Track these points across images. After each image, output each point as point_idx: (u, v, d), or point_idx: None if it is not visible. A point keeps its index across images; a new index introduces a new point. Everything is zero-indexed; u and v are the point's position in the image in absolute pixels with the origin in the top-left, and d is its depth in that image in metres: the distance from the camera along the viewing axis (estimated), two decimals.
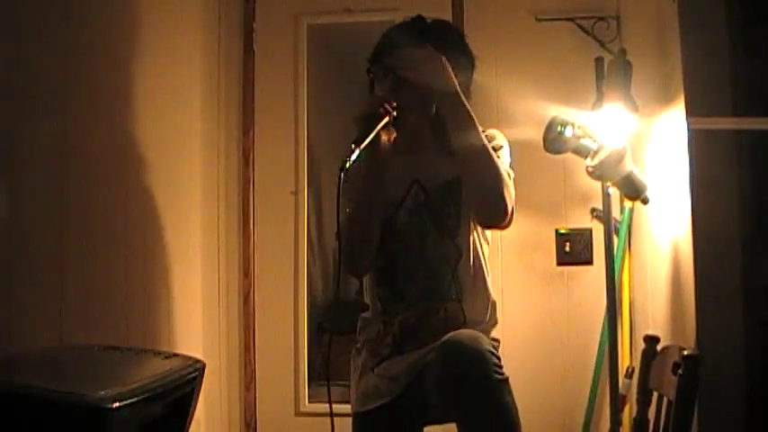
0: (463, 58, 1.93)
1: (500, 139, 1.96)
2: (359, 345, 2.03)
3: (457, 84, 1.80)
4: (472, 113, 1.80)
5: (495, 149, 1.87)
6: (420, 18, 1.96)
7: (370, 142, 1.70)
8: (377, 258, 1.94)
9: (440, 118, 1.88)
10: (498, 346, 1.95)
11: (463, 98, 1.80)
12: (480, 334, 1.76)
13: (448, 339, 1.70)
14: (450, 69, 1.79)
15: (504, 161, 1.91)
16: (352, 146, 1.67)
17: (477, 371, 1.64)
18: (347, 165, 1.65)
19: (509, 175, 1.88)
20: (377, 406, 1.90)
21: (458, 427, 1.70)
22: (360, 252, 1.90)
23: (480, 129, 1.81)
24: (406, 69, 1.81)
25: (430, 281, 1.91)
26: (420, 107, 1.89)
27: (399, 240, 1.92)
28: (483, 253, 1.98)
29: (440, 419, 1.88)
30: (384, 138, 1.80)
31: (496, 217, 1.84)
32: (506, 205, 1.80)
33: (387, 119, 1.75)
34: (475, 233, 1.95)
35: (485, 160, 1.79)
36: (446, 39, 1.92)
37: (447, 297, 1.91)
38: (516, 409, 1.68)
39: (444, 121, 1.85)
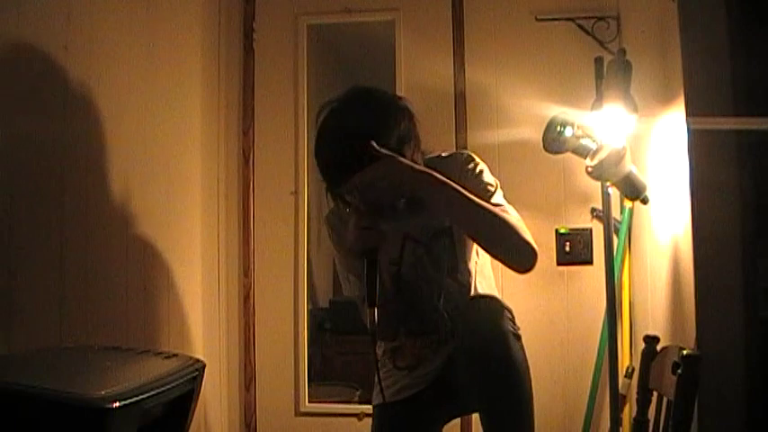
0: (395, 122, 1.75)
1: (480, 166, 1.87)
2: (385, 355, 2.04)
3: (422, 167, 1.70)
4: (454, 186, 1.68)
5: (476, 177, 1.82)
6: (355, 97, 1.83)
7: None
8: (392, 303, 1.89)
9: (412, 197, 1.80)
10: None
11: (438, 177, 1.68)
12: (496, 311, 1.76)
13: (467, 311, 1.75)
14: (405, 163, 1.67)
15: (489, 190, 1.83)
16: (368, 308, 1.67)
17: (496, 339, 1.67)
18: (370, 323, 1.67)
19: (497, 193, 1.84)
20: (404, 397, 1.94)
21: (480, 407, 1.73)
22: None
23: (441, 179, 1.69)
24: (366, 193, 1.69)
25: (440, 319, 1.94)
26: (389, 200, 1.78)
27: (409, 289, 1.95)
28: (483, 271, 1.99)
29: (462, 409, 1.97)
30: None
31: (525, 263, 1.74)
32: (530, 250, 1.72)
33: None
34: (473, 262, 1.96)
35: (492, 224, 1.71)
36: (372, 122, 1.74)
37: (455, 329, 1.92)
38: (527, 364, 1.71)
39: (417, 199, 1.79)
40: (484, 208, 1.71)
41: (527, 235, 1.74)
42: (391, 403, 1.96)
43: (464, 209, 1.70)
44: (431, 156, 1.89)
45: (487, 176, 1.86)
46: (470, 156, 1.89)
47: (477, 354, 1.68)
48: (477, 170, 1.85)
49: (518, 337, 1.72)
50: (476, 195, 1.72)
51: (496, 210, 1.73)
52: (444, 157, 1.90)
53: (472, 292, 1.94)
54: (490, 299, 1.81)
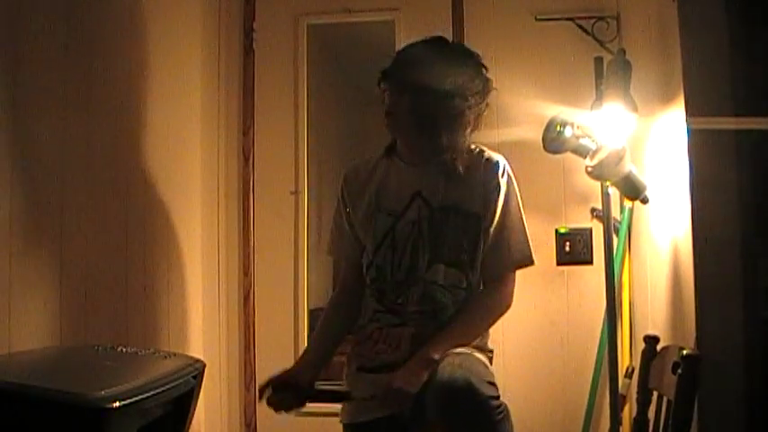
0: (481, 86, 1.90)
1: (502, 176, 1.92)
2: (349, 351, 2.02)
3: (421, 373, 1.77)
4: (442, 346, 1.82)
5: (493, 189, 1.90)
6: (440, 40, 1.96)
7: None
8: (370, 268, 1.95)
9: (443, 136, 1.89)
10: (492, 357, 1.96)
11: (432, 358, 1.79)
12: (473, 367, 1.75)
13: (442, 386, 1.68)
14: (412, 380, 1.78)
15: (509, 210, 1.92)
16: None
17: (480, 424, 1.66)
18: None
19: (521, 218, 1.93)
20: (370, 419, 1.88)
21: None
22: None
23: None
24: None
25: (429, 304, 1.88)
26: (424, 129, 1.89)
27: (393, 251, 1.91)
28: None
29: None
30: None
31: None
32: (501, 314, 1.95)
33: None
34: (474, 272, 1.93)
35: (477, 331, 1.91)
36: (465, 65, 1.90)
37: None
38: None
39: (447, 139, 1.89)
40: (471, 331, 1.89)
41: (499, 309, 1.94)
42: (357, 424, 1.92)
43: (465, 339, 1.88)
44: (474, 148, 1.96)
45: (505, 203, 1.91)
46: (501, 178, 1.92)
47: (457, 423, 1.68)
48: (503, 199, 1.91)
49: (497, 398, 1.70)
50: (486, 209, 1.89)
51: (474, 319, 1.90)
52: (486, 158, 1.95)
53: (452, 304, 1.90)
54: (466, 358, 1.81)
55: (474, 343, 1.90)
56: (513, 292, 1.95)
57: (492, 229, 1.90)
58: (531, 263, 1.95)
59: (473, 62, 1.92)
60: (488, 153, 1.96)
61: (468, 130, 1.92)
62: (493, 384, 1.72)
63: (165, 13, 2.56)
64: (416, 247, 1.90)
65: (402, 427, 1.83)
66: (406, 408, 1.76)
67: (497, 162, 1.93)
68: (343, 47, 3.96)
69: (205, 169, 2.91)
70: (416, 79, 1.85)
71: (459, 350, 1.84)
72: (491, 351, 1.97)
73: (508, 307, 1.95)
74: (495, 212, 1.89)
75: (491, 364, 1.94)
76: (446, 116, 1.86)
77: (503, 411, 1.68)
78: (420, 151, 1.95)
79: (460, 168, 1.90)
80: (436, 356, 1.78)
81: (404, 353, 1.86)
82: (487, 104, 1.92)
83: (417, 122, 1.88)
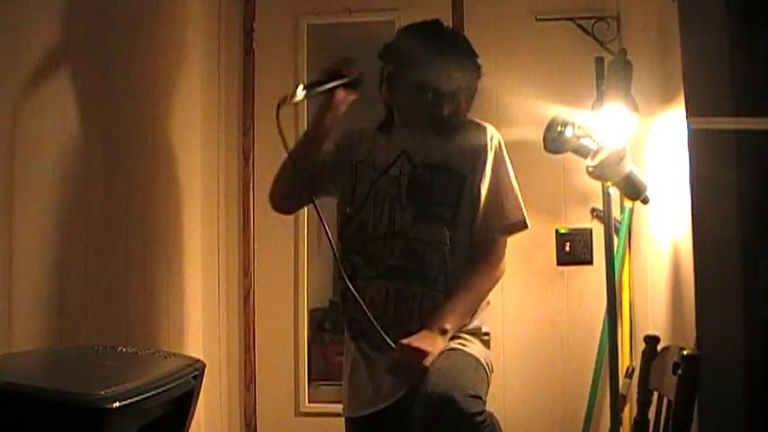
0: (470, 66, 2.02)
1: (491, 140, 2.00)
2: (346, 341, 2.05)
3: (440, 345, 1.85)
4: (453, 319, 1.90)
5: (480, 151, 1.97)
6: (437, 22, 2.06)
7: (322, 94, 1.88)
8: (351, 222, 2.00)
9: (435, 103, 1.97)
10: (488, 341, 1.96)
11: (444, 336, 1.87)
12: (461, 374, 1.76)
13: (426, 399, 1.69)
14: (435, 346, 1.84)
15: (502, 172, 1.99)
16: (300, 86, 1.82)
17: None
18: (285, 102, 1.83)
19: (513, 184, 2.00)
20: (373, 412, 1.91)
21: None
22: (283, 191, 2.06)
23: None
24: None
25: (413, 261, 1.93)
26: (417, 94, 1.97)
27: (375, 206, 1.98)
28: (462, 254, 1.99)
29: None
30: (340, 96, 1.93)
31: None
32: (499, 278, 2.01)
33: (345, 79, 1.88)
34: (462, 233, 1.97)
35: (481, 297, 1.98)
36: (458, 46, 2.03)
37: (435, 286, 1.92)
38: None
39: (438, 107, 1.96)
40: (474, 299, 1.96)
41: (499, 275, 2.00)
42: (358, 418, 1.96)
43: (470, 307, 1.95)
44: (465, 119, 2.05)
45: (495, 166, 1.99)
46: (490, 142, 2.00)
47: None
48: (491, 161, 1.99)
49: (481, 413, 1.70)
50: (474, 170, 1.96)
51: (474, 286, 1.95)
52: (475, 124, 2.05)
53: (463, 258, 1.94)
54: (456, 361, 1.82)
55: (468, 324, 1.93)
56: (504, 256, 2.00)
57: (483, 193, 1.95)
58: (525, 227, 2.01)
59: (468, 44, 2.06)
60: (478, 121, 2.05)
61: (463, 105, 2.02)
62: (478, 397, 1.72)
63: (165, 14, 2.56)
64: (395, 202, 1.96)
65: (403, 418, 1.84)
66: (420, 377, 1.77)
67: (486, 128, 2.02)
68: (343, 47, 3.95)
69: (205, 169, 2.91)
70: (419, 49, 1.94)
71: (453, 345, 1.87)
72: (486, 334, 1.98)
73: (503, 272, 2.00)
74: (483, 174, 1.96)
75: (488, 348, 1.96)
76: (444, 84, 1.95)
77: (488, 426, 1.69)
78: (416, 119, 2.01)
79: (450, 132, 1.99)
80: (448, 326, 1.86)
81: (392, 311, 1.91)
82: (477, 88, 2.05)
83: (418, 89, 1.95)
